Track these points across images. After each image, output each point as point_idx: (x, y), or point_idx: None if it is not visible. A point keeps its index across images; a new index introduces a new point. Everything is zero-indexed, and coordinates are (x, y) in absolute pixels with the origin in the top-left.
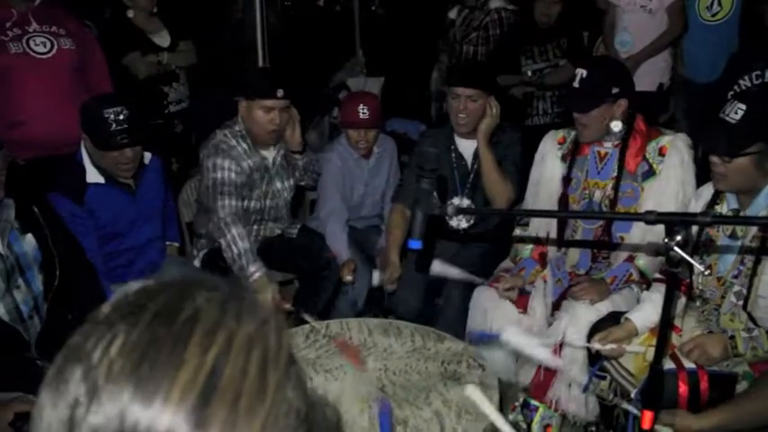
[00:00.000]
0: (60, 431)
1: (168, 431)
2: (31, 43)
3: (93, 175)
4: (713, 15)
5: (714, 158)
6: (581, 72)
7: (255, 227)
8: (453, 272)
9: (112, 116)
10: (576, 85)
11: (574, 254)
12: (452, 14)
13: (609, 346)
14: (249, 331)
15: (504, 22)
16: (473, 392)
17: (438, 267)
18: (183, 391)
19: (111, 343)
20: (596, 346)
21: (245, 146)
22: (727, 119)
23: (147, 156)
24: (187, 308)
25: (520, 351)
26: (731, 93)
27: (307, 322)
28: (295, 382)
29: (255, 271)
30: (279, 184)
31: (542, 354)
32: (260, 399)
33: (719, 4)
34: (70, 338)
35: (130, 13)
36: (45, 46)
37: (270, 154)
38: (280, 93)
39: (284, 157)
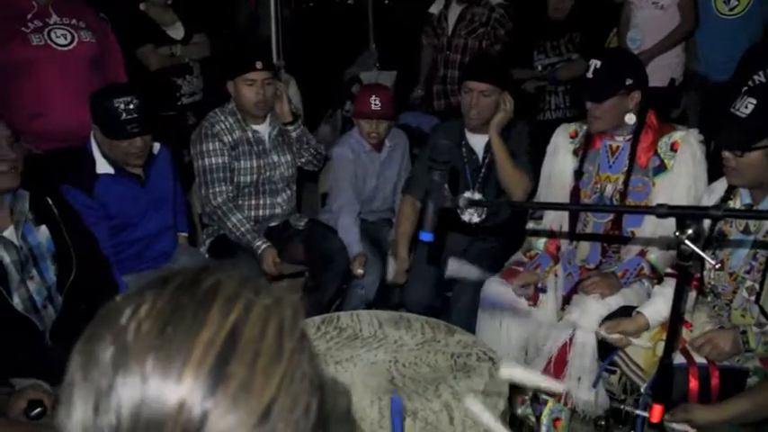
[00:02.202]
0: (90, 398)
1: (182, 401)
2: (53, 35)
3: (102, 166)
4: (731, 10)
5: (726, 153)
6: (595, 63)
7: (253, 201)
8: (470, 271)
9: (122, 105)
10: (589, 75)
11: (584, 248)
12: (435, 9)
13: (616, 335)
14: (266, 303)
15: (511, 17)
16: (472, 404)
17: (454, 267)
18: (204, 350)
19: (139, 308)
20: (602, 333)
21: (231, 120)
22: (738, 113)
23: (156, 146)
24: (208, 280)
25: (522, 383)
26: (744, 88)
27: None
28: (309, 355)
29: (262, 244)
30: (275, 157)
31: (544, 382)
32: (277, 361)
33: None
34: (100, 310)
35: (143, 6)
36: (66, 38)
37: (264, 128)
38: (259, 64)
39: (281, 132)
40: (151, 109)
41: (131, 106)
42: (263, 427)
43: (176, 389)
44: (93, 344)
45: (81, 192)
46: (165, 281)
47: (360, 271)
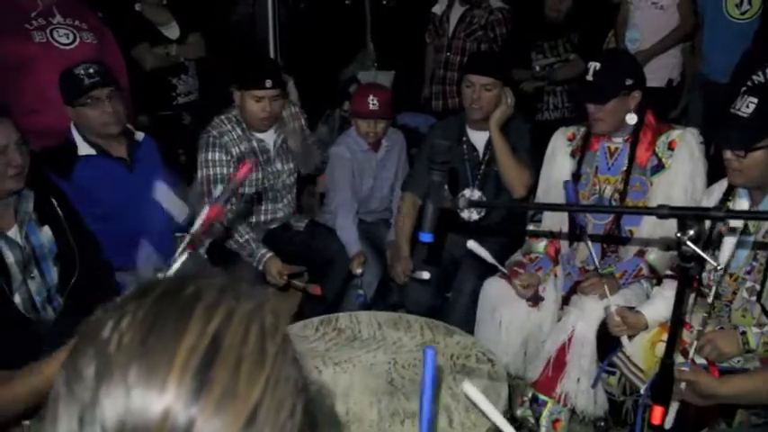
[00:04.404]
0: (75, 411)
1: (166, 409)
2: (55, 34)
3: (84, 149)
4: (743, 14)
5: (728, 154)
6: (594, 65)
7: (254, 207)
8: (486, 254)
9: (83, 71)
10: (589, 77)
11: (583, 249)
12: (437, 9)
13: (618, 319)
14: (247, 309)
15: (507, 21)
16: (469, 389)
17: (473, 244)
18: (187, 356)
19: (121, 320)
20: (612, 309)
21: (238, 131)
22: (739, 113)
23: (140, 134)
24: (189, 288)
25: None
26: (743, 88)
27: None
28: (292, 359)
29: (266, 252)
30: (279, 166)
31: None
32: (260, 365)
33: (750, 2)
34: (81, 326)
35: (138, 6)
36: (68, 38)
37: (269, 137)
38: (268, 83)
39: (285, 140)
40: (110, 72)
41: (91, 71)
42: (250, 430)
43: (160, 397)
44: (76, 358)
45: (59, 177)
46: (146, 291)
47: (359, 270)
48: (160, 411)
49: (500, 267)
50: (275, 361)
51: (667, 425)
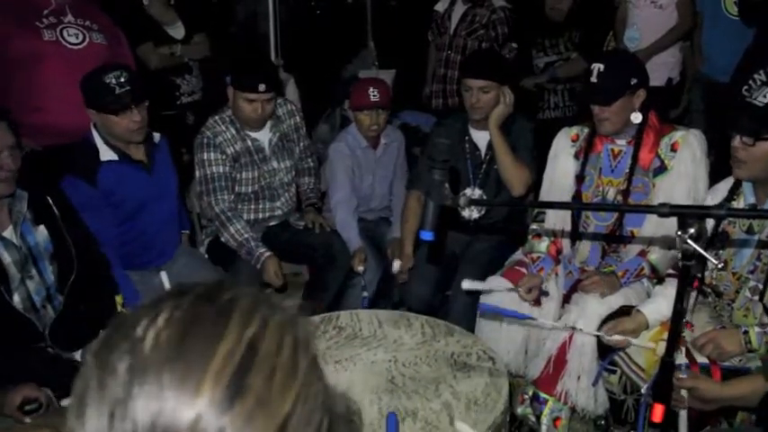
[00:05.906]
0: (106, 406)
1: (198, 416)
2: (65, 33)
3: (106, 154)
4: None
5: (736, 143)
6: (598, 66)
7: (252, 206)
8: (483, 285)
9: (114, 80)
10: (593, 79)
11: (584, 250)
12: (440, 7)
13: (616, 338)
14: (282, 319)
15: (509, 20)
16: (462, 428)
17: (468, 284)
18: (222, 363)
19: (156, 318)
20: (605, 336)
21: (232, 131)
22: (755, 102)
23: (156, 136)
24: (226, 294)
25: None
26: (761, 80)
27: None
28: (320, 374)
29: (265, 251)
30: (275, 164)
31: None
32: (293, 376)
33: None
34: (113, 319)
35: (146, 1)
36: (77, 37)
37: (264, 135)
38: (262, 87)
39: (281, 138)
40: (140, 80)
41: (122, 79)
42: None
43: (193, 403)
44: (108, 353)
45: (83, 181)
46: (183, 293)
47: (360, 267)
48: (191, 418)
49: (502, 288)
50: (306, 374)
51: None
